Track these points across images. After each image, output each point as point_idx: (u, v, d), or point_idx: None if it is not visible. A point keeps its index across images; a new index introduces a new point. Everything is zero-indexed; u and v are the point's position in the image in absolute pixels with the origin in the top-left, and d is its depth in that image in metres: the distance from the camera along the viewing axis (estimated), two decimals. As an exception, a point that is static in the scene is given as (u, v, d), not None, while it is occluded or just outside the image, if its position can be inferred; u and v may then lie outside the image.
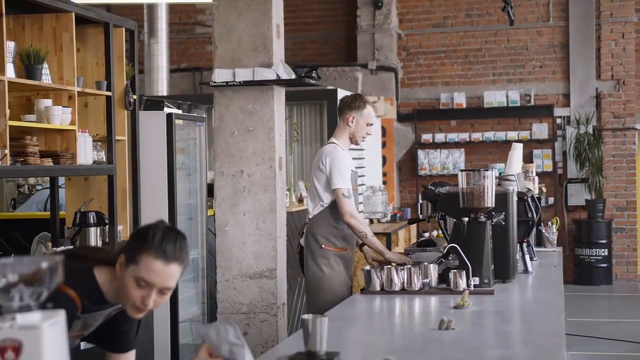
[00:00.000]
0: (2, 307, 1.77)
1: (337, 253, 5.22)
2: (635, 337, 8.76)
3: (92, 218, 5.56)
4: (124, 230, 5.95)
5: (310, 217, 5.30)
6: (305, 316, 2.74)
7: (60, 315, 1.81)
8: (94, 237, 5.55)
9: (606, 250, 12.44)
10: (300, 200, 8.72)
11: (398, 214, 11.07)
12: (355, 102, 5.32)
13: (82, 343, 4.51)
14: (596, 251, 12.41)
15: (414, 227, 11.31)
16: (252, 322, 5.76)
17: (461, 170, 4.53)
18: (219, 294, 5.80)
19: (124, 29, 6.02)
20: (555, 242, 6.54)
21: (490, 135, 12.95)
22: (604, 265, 12.45)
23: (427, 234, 11.58)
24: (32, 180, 9.04)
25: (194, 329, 6.85)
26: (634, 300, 11.74)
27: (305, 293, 7.97)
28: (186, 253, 2.70)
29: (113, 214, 5.76)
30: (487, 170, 4.49)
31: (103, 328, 2.86)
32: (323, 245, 5.21)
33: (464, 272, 4.28)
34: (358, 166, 10.30)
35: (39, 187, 8.78)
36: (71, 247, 5.10)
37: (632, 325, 9.73)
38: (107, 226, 5.72)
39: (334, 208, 5.17)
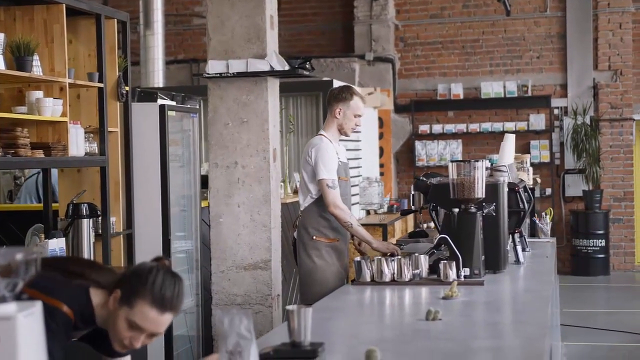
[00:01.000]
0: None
1: (329, 244, 5.24)
2: (631, 328, 8.78)
3: (84, 210, 5.56)
4: (116, 222, 5.95)
5: (301, 209, 5.34)
6: (290, 307, 2.76)
7: (37, 307, 1.81)
8: (87, 228, 5.55)
9: (603, 241, 12.45)
10: (296, 192, 8.72)
11: (395, 205, 11.08)
12: (342, 93, 5.34)
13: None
14: (593, 242, 12.42)
15: (410, 218, 11.33)
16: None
17: (451, 161, 4.54)
18: (213, 285, 5.80)
19: (115, 20, 6.01)
20: (549, 233, 6.53)
21: (487, 126, 12.95)
22: (601, 256, 12.46)
23: (424, 225, 11.59)
24: (28, 172, 9.03)
25: (188, 320, 6.86)
26: (631, 290, 11.75)
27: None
28: (182, 299, 2.70)
29: (106, 206, 5.76)
30: (478, 161, 4.49)
31: (99, 331, 2.87)
32: (314, 237, 5.24)
33: (454, 263, 4.29)
34: (354, 157, 10.32)
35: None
36: (64, 256, 5.06)
37: (628, 316, 9.74)
38: (99, 218, 5.72)
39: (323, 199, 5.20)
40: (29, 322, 1.78)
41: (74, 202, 5.63)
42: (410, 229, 11.12)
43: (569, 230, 12.79)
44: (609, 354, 7.94)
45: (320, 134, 5.35)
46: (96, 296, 2.72)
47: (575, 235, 12.58)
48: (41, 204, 6.16)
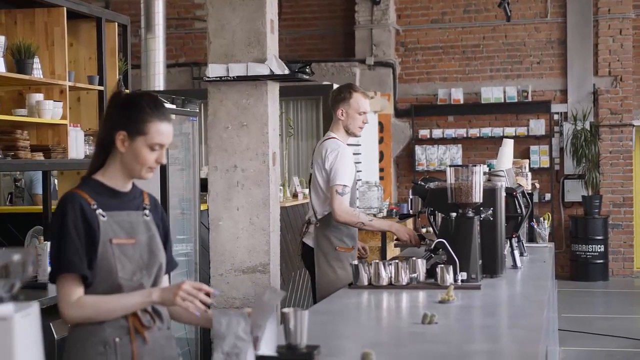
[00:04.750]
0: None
1: (349, 253, 5.18)
2: (630, 333, 8.79)
3: (84, 212, 5.56)
4: (116, 224, 5.96)
5: (319, 217, 5.21)
6: (286, 310, 2.77)
7: (33, 307, 1.83)
8: (86, 231, 5.55)
9: (602, 246, 12.46)
10: (295, 195, 8.73)
11: (395, 210, 11.08)
12: (341, 93, 5.28)
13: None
14: (592, 247, 12.43)
15: (410, 222, 11.32)
16: (245, 316, 5.77)
17: (449, 166, 4.54)
18: (212, 288, 5.80)
19: (116, 23, 6.03)
20: (547, 238, 6.54)
21: (487, 131, 12.97)
22: (600, 261, 12.47)
23: (424, 230, 11.59)
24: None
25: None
26: (629, 296, 11.76)
27: (303, 289, 8.00)
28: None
29: (105, 208, 5.77)
30: (475, 166, 4.50)
31: None
32: (337, 247, 5.15)
33: (452, 267, 4.30)
34: (355, 161, 10.33)
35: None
36: None
37: (627, 321, 9.75)
38: (99, 220, 5.72)
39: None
40: (25, 322, 1.79)
41: (74, 204, 5.63)
42: (410, 233, 11.10)
43: (568, 235, 12.81)
44: (607, 359, 7.95)
45: (333, 137, 5.25)
46: (98, 175, 2.94)
47: (575, 241, 12.59)
48: (39, 207, 6.18)
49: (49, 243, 5.30)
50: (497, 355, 3.01)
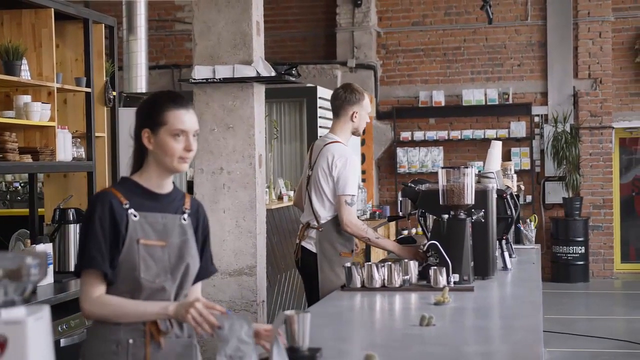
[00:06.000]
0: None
1: (350, 258, 5.12)
2: (611, 334, 8.85)
3: (71, 215, 5.52)
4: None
5: (321, 221, 5.08)
6: (288, 312, 2.76)
7: (45, 311, 1.81)
8: (74, 234, 5.52)
9: (583, 247, 12.54)
10: (280, 198, 8.71)
11: (377, 212, 11.11)
12: (355, 95, 5.14)
13: (62, 340, 4.52)
14: (573, 249, 12.50)
15: (393, 224, 11.36)
16: (232, 319, 5.74)
17: (441, 168, 4.55)
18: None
19: (103, 25, 5.99)
20: (534, 239, 6.57)
21: (468, 133, 13.01)
22: (581, 262, 12.55)
23: (406, 232, 11.62)
24: (9, 177, 8.99)
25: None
26: (610, 297, 11.83)
27: (289, 292, 7.97)
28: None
29: (92, 211, 5.72)
30: (467, 167, 4.51)
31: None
32: (342, 253, 5.07)
33: (444, 269, 4.31)
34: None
35: (17, 184, 8.73)
36: None
37: (608, 322, 9.81)
38: (86, 223, 5.68)
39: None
40: (38, 326, 1.78)
41: (61, 207, 5.60)
42: (393, 235, 11.15)
43: (549, 237, 12.87)
44: (591, 360, 8.00)
45: (338, 141, 5.14)
46: (135, 177, 2.98)
47: (555, 242, 12.66)
48: (24, 210, 6.12)
49: (35, 246, 5.26)
50: (499, 358, 3.01)
